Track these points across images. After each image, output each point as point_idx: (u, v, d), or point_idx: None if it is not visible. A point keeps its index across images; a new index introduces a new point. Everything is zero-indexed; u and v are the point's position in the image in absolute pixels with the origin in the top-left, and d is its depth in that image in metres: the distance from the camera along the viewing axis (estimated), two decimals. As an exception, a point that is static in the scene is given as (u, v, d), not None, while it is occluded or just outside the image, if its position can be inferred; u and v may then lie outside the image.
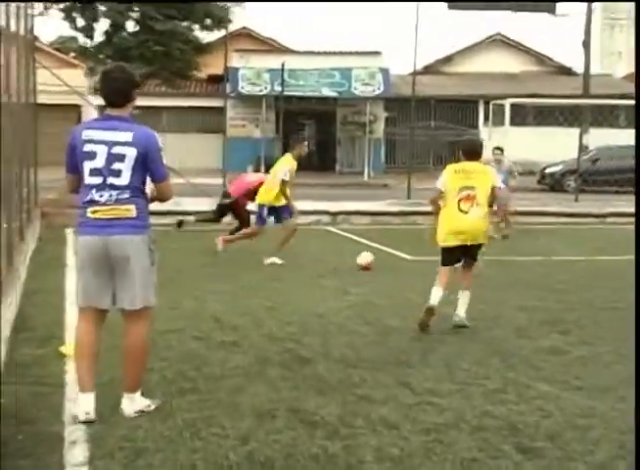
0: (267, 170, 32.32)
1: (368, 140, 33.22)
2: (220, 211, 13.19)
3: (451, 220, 7.46)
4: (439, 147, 35.40)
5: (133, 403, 4.85)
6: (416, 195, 21.83)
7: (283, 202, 11.38)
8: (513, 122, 18.50)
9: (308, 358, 6.14)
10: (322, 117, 36.31)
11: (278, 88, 29.75)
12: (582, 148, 27.06)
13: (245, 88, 33.24)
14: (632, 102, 27.24)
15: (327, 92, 33.23)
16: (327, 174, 32.69)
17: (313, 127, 37.75)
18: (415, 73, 23.44)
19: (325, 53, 35.16)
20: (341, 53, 35.11)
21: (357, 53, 34.98)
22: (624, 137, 31.55)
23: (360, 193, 23.29)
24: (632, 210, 19.11)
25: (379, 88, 33.56)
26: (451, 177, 7.54)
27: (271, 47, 40.68)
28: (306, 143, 12.29)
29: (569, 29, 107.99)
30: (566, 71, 40.38)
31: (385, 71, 33.99)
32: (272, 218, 11.59)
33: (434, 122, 35.32)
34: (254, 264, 10.96)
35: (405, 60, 77.33)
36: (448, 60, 40.69)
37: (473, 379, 5.67)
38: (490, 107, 19.34)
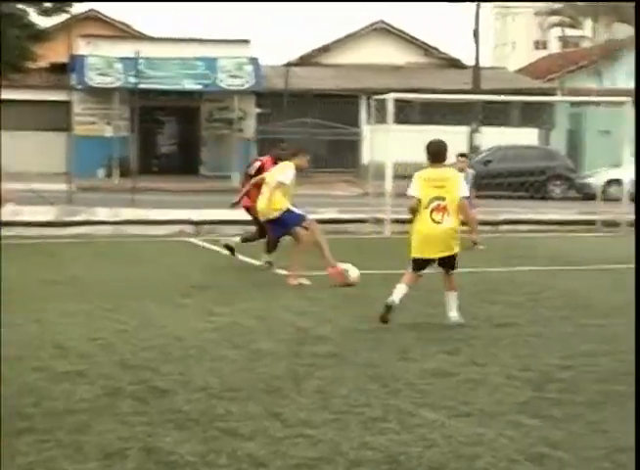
0: (122, 174, 31.91)
1: (237, 139, 33.28)
2: (258, 225, 12.46)
3: (425, 231, 8.40)
4: (318, 147, 35.76)
5: None
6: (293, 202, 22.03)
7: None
8: (397, 120, 18.86)
9: (166, 389, 6.10)
10: (184, 113, 36.17)
11: (132, 80, 29.45)
12: (473, 148, 27.95)
13: (93, 80, 32.75)
14: (527, 98, 28.21)
15: (189, 85, 33.11)
16: (190, 178, 32.57)
17: (174, 125, 37.57)
18: (289, 64, 23.65)
19: (186, 40, 35.04)
20: (204, 40, 35.05)
21: (223, 41, 35.03)
22: (518, 137, 32.76)
23: (228, 199, 23.21)
24: (529, 216, 19.87)
25: (248, 81, 33.67)
26: (422, 186, 8.42)
27: (124, 33, 40.27)
28: (308, 158, 12.02)
29: (458, 18, 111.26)
30: (455, 64, 41.56)
31: (254, 62, 34.13)
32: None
33: (311, 119, 35.67)
34: (107, 281, 10.81)
35: (277, 49, 77.93)
36: (326, 50, 41.24)
37: (351, 407, 5.76)
38: (372, 102, 19.68)
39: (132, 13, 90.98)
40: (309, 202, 22.07)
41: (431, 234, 8.40)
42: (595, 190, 21.87)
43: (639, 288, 8.37)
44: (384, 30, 41.13)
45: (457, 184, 8.56)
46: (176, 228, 17.16)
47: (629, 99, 19.29)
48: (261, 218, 11.62)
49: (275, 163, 12.18)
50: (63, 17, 27.92)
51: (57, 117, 34.73)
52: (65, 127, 32.65)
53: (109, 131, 33.56)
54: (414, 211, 8.47)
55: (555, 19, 50.05)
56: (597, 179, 23.56)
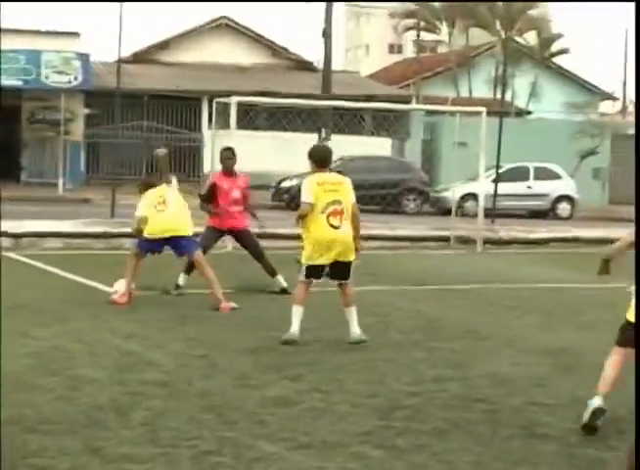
0: None
1: (64, 143, 32.65)
2: None
3: (323, 236, 8.74)
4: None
5: None
6: (124, 213, 21.73)
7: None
8: (241, 125, 18.92)
9: (-29, 422, 5.92)
10: (2, 112, 35.19)
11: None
12: (323, 158, 28.26)
13: None
14: (380, 105, 28.71)
15: (8, 81, 32.26)
16: (9, 185, 31.64)
17: (-9, 125, 36.51)
18: (122, 61, 23.40)
19: (5, 30, 34.10)
20: (26, 31, 34.27)
21: (48, 33, 34.39)
22: (371, 146, 33.36)
23: (53, 210, 22.84)
24: (380, 232, 20.20)
25: (76, 78, 33.09)
26: (316, 191, 8.77)
27: None
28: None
29: (309, 17, 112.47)
30: (305, 66, 42.00)
31: (84, 58, 33.59)
32: None
33: (148, 122, 35.36)
34: None
35: (110, 44, 76.84)
36: (164, 46, 41.02)
37: (181, 440, 5.73)
38: (214, 105, 19.68)
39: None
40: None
41: (330, 239, 8.74)
42: (450, 205, 22.44)
43: (639, 290, 8.67)
44: (228, 27, 41.17)
45: (349, 189, 9.04)
46: (-9, 241, 16.67)
47: (484, 109, 19.87)
48: None
49: (227, 175, 12.28)
50: None
51: None
52: None
53: None
54: (303, 217, 8.82)
55: (410, 21, 51.27)
56: (452, 193, 24.18)
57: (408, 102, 39.01)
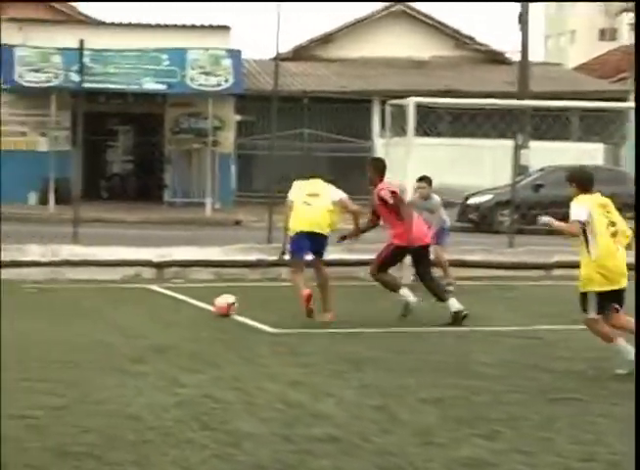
0: (61, 200, 31.87)
1: (212, 156, 33.31)
2: None
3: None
4: (317, 166, 35.76)
5: None
6: (281, 237, 22.04)
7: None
8: (420, 131, 18.96)
9: (115, 483, 6.12)
10: (143, 121, 36.32)
11: (75, 78, 29.59)
12: (520, 169, 28.00)
13: (24, 77, 32.89)
14: (591, 104, 28.33)
15: (150, 85, 33.21)
16: (151, 206, 32.66)
17: (130, 137, 37.74)
18: (279, 59, 23.78)
19: (146, 26, 35.16)
20: (170, 27, 35.15)
21: (194, 27, 35.15)
22: (579, 154, 32.83)
23: (200, 234, 23.32)
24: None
25: (226, 80, 33.75)
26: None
27: (65, 16, 40.52)
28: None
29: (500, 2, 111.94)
30: (495, 59, 41.76)
31: (235, 55, 34.15)
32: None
33: (309, 130, 35.75)
34: (39, 343, 10.83)
35: (265, 40, 78.25)
36: (328, 40, 41.43)
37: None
38: (387, 109, 19.78)
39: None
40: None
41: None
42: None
43: (639, 291, 8.52)
44: (403, 15, 41.26)
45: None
46: (131, 271, 17.21)
47: None
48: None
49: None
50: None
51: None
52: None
53: (43, 145, 33.67)
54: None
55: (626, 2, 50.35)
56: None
57: (625, 99, 38.28)
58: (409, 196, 15.54)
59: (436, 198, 17.01)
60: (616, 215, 10.16)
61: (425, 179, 16.89)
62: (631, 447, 7.06)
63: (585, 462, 6.77)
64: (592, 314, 9.82)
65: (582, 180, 10.39)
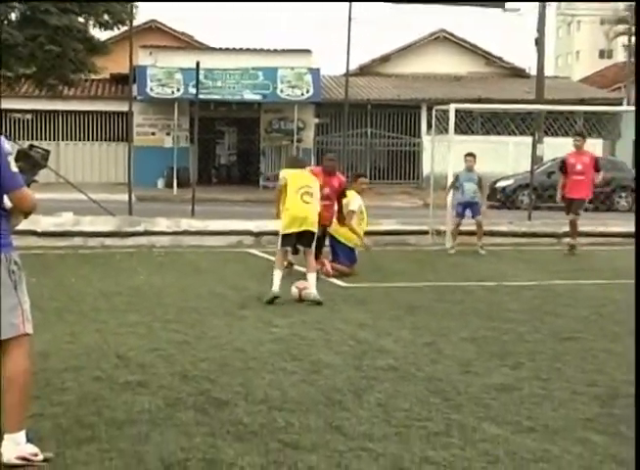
0: (181, 184, 32.18)
1: (296, 150, 33.39)
2: None
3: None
4: (377, 158, 35.74)
5: (16, 447, 4.80)
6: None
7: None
8: (458, 130, 18.79)
9: (226, 400, 6.14)
10: (243, 123, 36.41)
11: (192, 90, 29.71)
12: (536, 159, 27.65)
13: (154, 90, 33.14)
14: (592, 108, 27.93)
15: (249, 95, 33.32)
16: (250, 189, 32.75)
17: (234, 136, 37.85)
18: (348, 74, 23.67)
19: (246, 50, 35.27)
20: (264, 51, 35.26)
21: (283, 51, 35.16)
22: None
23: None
24: (591, 228, 19.60)
25: (308, 91, 33.77)
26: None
27: (184, 43, 40.68)
28: (367, 180, 14.11)
29: (521, 27, 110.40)
30: (517, 73, 41.29)
31: (314, 72, 34.23)
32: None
33: (371, 130, 35.67)
34: (166, 293, 10.91)
35: (337, 59, 78.04)
36: (386, 59, 41.23)
37: (412, 421, 5.74)
38: (433, 112, 19.61)
39: (193, 24, 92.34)
40: (369, 213, 22.08)
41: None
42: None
43: (639, 291, 8.27)
44: (444, 40, 40.96)
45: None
46: (235, 239, 17.25)
47: None
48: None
49: (326, 173, 12.32)
50: (123, 28, 28.13)
51: (118, 128, 35.26)
52: (125, 138, 33.10)
53: (168, 142, 33.91)
54: None
55: (621, 27, 49.44)
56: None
57: (619, 104, 37.67)
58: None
59: (478, 173, 16.98)
60: None
61: (471, 154, 16.86)
62: (629, 376, 6.96)
63: (589, 387, 6.68)
64: None
65: None
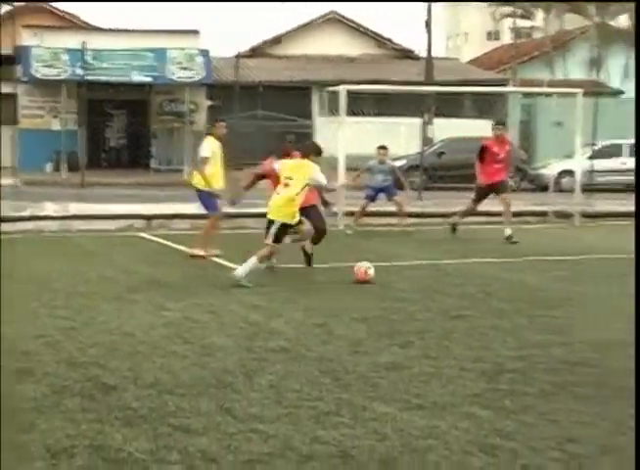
0: (71, 168, 31.54)
1: (188, 132, 33.10)
2: None
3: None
4: (269, 139, 35.66)
5: None
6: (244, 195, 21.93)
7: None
8: (350, 112, 18.90)
9: (114, 385, 6.07)
10: (133, 105, 35.90)
11: (80, 72, 29.18)
12: (426, 140, 28.05)
13: (40, 71, 32.35)
14: (480, 89, 28.38)
15: (138, 77, 32.84)
16: (140, 172, 32.34)
17: (123, 118, 37.25)
18: (239, 56, 23.54)
19: (135, 31, 34.75)
20: (153, 31, 34.80)
21: (172, 31, 34.77)
22: (471, 128, 32.91)
23: (179, 194, 23.12)
24: (481, 208, 19.97)
25: (199, 73, 33.48)
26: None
27: (70, 23, 39.87)
28: (224, 124, 14.06)
29: (411, 9, 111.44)
30: (408, 55, 41.69)
31: (205, 54, 33.96)
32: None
33: (262, 112, 35.61)
34: (53, 278, 10.71)
35: (227, 41, 77.57)
36: (277, 41, 41.16)
37: (303, 401, 5.77)
38: (324, 94, 19.68)
39: (78, 4, 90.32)
40: (259, 194, 22.07)
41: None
42: (548, 181, 22.06)
43: (639, 287, 8.41)
44: (336, 21, 41.13)
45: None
46: (126, 223, 17.04)
47: (580, 90, 19.48)
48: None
49: (285, 156, 11.91)
50: (5, 7, 27.48)
51: (2, 110, 34.33)
52: (11, 121, 32.29)
53: (56, 124, 33.17)
54: None
55: (507, 9, 50.38)
56: (550, 170, 23.78)
57: (506, 85, 38.42)
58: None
59: (390, 163, 17.20)
60: None
61: (383, 147, 17.06)
62: (514, 352, 7.13)
63: (476, 363, 6.81)
64: None
65: None
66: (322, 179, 11.03)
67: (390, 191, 16.79)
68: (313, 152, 11.15)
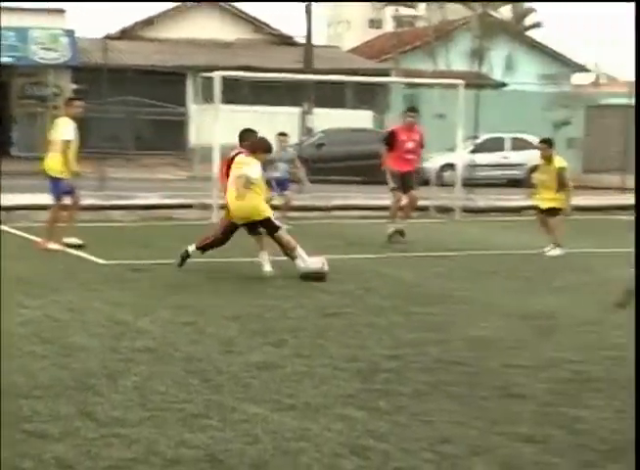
0: None
1: (52, 118, 32.44)
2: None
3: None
4: (141, 127, 35.29)
5: None
6: (112, 185, 21.67)
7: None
8: (225, 99, 18.85)
9: (-35, 390, 5.92)
10: (-7, 88, 35.01)
11: None
12: (306, 131, 28.22)
13: None
14: (361, 78, 28.62)
15: (-1, 58, 32.05)
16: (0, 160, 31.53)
17: (-18, 101, 36.29)
18: (108, 38, 23.20)
19: (-5, 8, 33.85)
20: (14, 9, 33.92)
21: (35, 10, 34.04)
22: (353, 119, 33.28)
23: (43, 183, 22.66)
24: (361, 202, 20.24)
25: (64, 55, 32.86)
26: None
27: None
28: (79, 103, 14.08)
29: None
30: (286, 41, 41.81)
31: (70, 34, 33.35)
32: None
33: (134, 98, 35.16)
34: None
35: (96, 22, 76.26)
36: (150, 23, 40.77)
37: (169, 404, 5.75)
38: (198, 80, 19.58)
39: None
40: (131, 186, 21.82)
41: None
42: (429, 175, 22.45)
43: (639, 286, 8.58)
44: (212, 4, 40.96)
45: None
46: (-18, 214, 16.60)
47: (462, 82, 19.87)
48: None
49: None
50: None
51: None
52: None
53: None
54: None
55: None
56: (432, 164, 24.22)
57: (388, 75, 38.93)
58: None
59: (291, 151, 17.14)
60: None
61: (284, 134, 16.82)
62: (390, 351, 7.25)
63: (350, 362, 6.89)
64: None
65: None
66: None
67: (285, 186, 16.65)
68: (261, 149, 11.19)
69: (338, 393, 6.10)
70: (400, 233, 14.87)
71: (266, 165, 16.53)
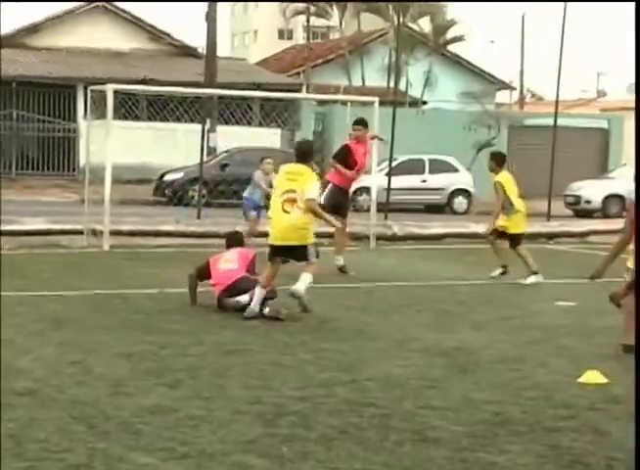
0: None
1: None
2: None
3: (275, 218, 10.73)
4: (26, 145, 34.86)
5: None
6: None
7: None
8: (118, 115, 18.74)
9: None
10: None
11: None
12: (208, 150, 28.13)
13: None
14: (270, 94, 28.70)
15: None
16: None
17: None
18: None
19: None
20: None
21: None
22: (260, 138, 33.32)
23: None
24: (264, 229, 20.20)
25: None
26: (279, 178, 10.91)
27: None
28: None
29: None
30: (188, 52, 41.78)
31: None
32: None
33: (17, 111, 34.75)
34: None
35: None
36: (35, 30, 40.36)
37: (49, 453, 5.65)
38: (89, 94, 19.42)
39: None
40: (14, 210, 21.47)
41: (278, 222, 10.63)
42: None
43: (639, 288, 8.66)
44: (104, 10, 40.74)
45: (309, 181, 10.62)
46: None
47: (376, 99, 20.00)
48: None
49: None
50: None
51: None
52: None
53: None
54: None
55: (300, 5, 51.33)
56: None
57: (298, 91, 39.14)
58: None
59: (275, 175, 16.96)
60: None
61: (269, 158, 17.08)
62: (296, 392, 7.24)
63: (252, 405, 6.87)
64: None
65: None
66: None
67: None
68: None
69: (237, 438, 6.07)
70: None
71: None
